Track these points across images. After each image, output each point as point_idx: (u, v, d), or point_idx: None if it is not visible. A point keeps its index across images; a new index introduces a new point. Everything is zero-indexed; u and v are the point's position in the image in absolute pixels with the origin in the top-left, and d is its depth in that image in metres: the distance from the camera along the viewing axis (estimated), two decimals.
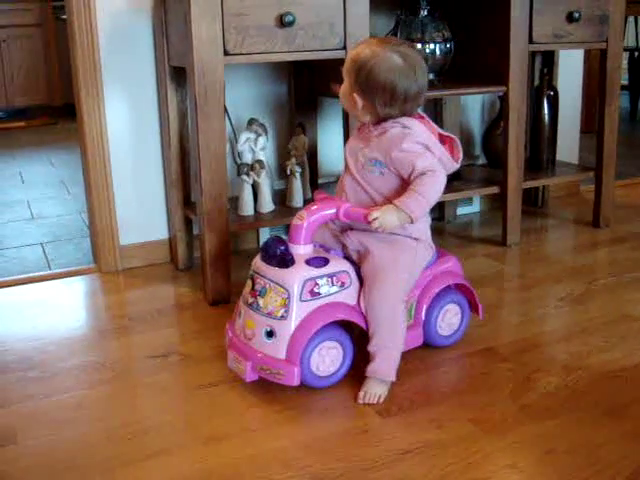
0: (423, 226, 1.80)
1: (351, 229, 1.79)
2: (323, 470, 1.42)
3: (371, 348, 1.69)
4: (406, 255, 1.73)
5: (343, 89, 1.76)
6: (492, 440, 1.50)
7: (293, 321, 1.63)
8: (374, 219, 1.64)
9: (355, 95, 1.72)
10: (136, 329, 2.09)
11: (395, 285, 1.69)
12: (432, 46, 2.50)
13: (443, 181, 1.71)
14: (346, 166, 1.81)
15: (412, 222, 1.68)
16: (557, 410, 1.61)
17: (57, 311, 2.23)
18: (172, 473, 1.43)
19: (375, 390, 1.67)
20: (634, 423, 1.56)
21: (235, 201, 2.41)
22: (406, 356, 1.78)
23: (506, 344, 1.93)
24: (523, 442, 1.50)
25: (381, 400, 1.66)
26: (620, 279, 2.37)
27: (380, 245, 1.73)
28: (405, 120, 1.72)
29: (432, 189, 1.68)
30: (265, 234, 2.71)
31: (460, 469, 1.42)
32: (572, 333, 2.00)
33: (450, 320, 1.89)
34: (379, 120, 1.74)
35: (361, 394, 1.67)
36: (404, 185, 1.71)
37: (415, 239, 1.77)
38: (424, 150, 1.71)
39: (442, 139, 1.78)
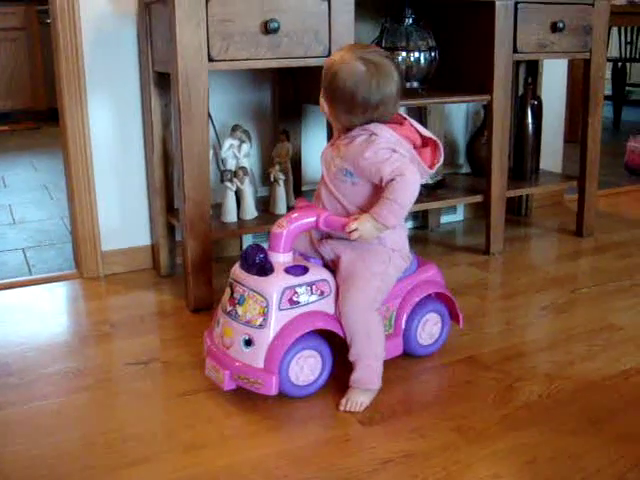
0: (399, 236, 1.77)
1: (328, 237, 1.77)
2: (304, 479, 1.41)
3: (351, 357, 1.68)
4: (378, 263, 1.71)
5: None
6: (474, 449, 1.50)
7: (272, 330, 1.62)
8: (353, 230, 1.62)
9: (322, 100, 1.73)
10: (117, 336, 2.07)
11: (365, 292, 1.66)
12: (417, 54, 2.51)
13: (415, 182, 1.65)
14: (322, 175, 1.79)
15: (389, 229, 1.67)
16: (540, 419, 1.61)
17: (38, 317, 2.21)
18: None
19: (357, 398, 1.66)
20: (617, 432, 1.56)
21: (218, 208, 2.39)
22: (388, 365, 1.77)
23: (489, 353, 1.93)
24: (505, 451, 1.49)
25: (362, 408, 1.65)
26: (603, 288, 2.38)
27: (351, 252, 1.71)
28: (373, 127, 1.68)
29: (404, 193, 1.63)
30: (248, 241, 2.70)
31: (442, 478, 1.41)
32: (555, 342, 2.00)
33: (430, 330, 1.88)
34: (347, 128, 1.72)
35: (343, 401, 1.66)
36: (378, 194, 1.67)
37: (389, 248, 1.74)
38: (390, 154, 1.66)
39: (425, 142, 1.75)
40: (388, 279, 1.74)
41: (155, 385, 1.80)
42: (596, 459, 1.46)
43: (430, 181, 2.64)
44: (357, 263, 1.69)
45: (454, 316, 1.93)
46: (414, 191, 1.65)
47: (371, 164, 1.65)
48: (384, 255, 1.73)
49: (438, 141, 1.76)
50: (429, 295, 1.86)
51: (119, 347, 2.02)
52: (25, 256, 2.81)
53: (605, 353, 1.93)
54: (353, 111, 1.67)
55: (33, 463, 1.48)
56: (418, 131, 1.75)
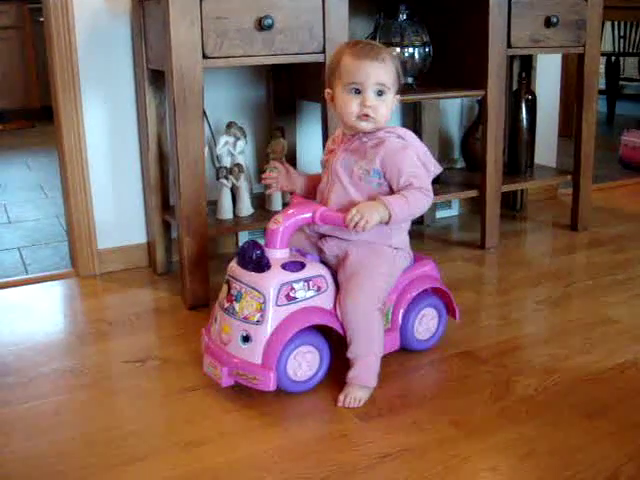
0: (404, 236, 1.81)
1: (327, 235, 1.77)
2: (302, 475, 1.41)
3: (350, 355, 1.69)
4: (384, 263, 1.73)
5: None
6: (472, 443, 1.51)
7: (269, 326, 1.62)
8: (352, 216, 1.61)
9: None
10: (114, 334, 2.07)
11: (370, 292, 1.68)
12: (411, 50, 2.51)
13: (429, 204, 1.73)
14: (331, 178, 1.77)
15: (387, 223, 1.65)
16: (537, 412, 1.62)
17: (34, 316, 2.21)
18: (151, 478, 1.42)
19: (355, 394, 1.66)
20: (614, 425, 1.57)
21: (214, 205, 2.39)
22: (385, 360, 1.78)
23: (485, 347, 1.94)
24: (503, 444, 1.50)
25: (361, 404, 1.66)
26: (598, 282, 2.38)
27: (358, 250, 1.72)
28: (398, 129, 1.74)
29: (419, 203, 1.69)
30: (244, 238, 2.70)
31: (440, 472, 1.41)
32: (551, 336, 2.01)
33: (427, 324, 1.89)
34: (371, 131, 1.73)
35: (341, 397, 1.67)
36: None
37: (395, 249, 1.76)
38: (422, 168, 1.73)
39: None
40: (391, 279, 1.76)
41: (153, 382, 1.80)
42: (593, 452, 1.47)
43: None
44: (364, 262, 1.70)
45: (450, 310, 1.94)
46: (424, 209, 1.73)
47: (406, 171, 1.69)
48: (389, 255, 1.75)
49: None
50: (426, 290, 1.87)
51: (116, 345, 2.02)
52: (21, 255, 2.81)
53: (601, 346, 1.93)
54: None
55: (33, 462, 1.48)
56: None
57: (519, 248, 2.79)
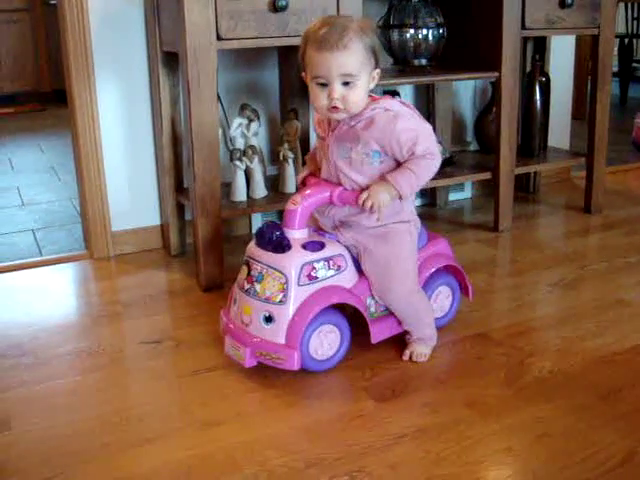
0: (412, 206, 1.81)
1: (342, 225, 1.76)
2: (318, 455, 1.42)
3: (406, 326, 1.78)
4: (404, 245, 1.73)
5: None
6: (487, 424, 1.51)
7: (292, 305, 1.64)
8: (365, 200, 1.63)
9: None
10: (129, 315, 2.08)
11: (405, 281, 1.72)
12: (425, 31, 2.50)
13: (438, 165, 1.70)
14: (334, 173, 1.73)
15: (400, 199, 1.67)
16: (551, 394, 1.62)
17: (49, 297, 2.22)
18: (167, 458, 1.43)
19: (421, 350, 1.77)
20: (627, 407, 1.57)
21: (227, 187, 2.40)
22: (400, 341, 1.79)
23: (499, 329, 1.94)
24: (518, 426, 1.50)
25: (426, 359, 1.76)
26: (612, 264, 2.38)
27: (376, 242, 1.72)
28: (383, 102, 1.67)
29: (427, 172, 1.67)
30: (257, 220, 2.71)
31: (455, 453, 1.42)
32: (565, 318, 2.01)
33: (442, 302, 1.91)
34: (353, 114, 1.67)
35: (407, 353, 1.76)
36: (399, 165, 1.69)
37: (407, 222, 1.76)
38: (420, 127, 1.67)
39: None
40: (414, 253, 1.78)
41: (169, 363, 1.81)
42: (607, 434, 1.47)
43: None
44: (387, 256, 1.71)
45: (464, 288, 1.96)
46: (433, 173, 1.70)
47: (407, 139, 1.64)
48: (405, 233, 1.74)
49: None
50: (440, 268, 1.88)
51: (131, 326, 2.03)
52: (35, 237, 2.82)
53: (614, 329, 1.93)
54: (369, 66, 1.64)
55: (49, 442, 1.49)
56: None
57: (532, 230, 2.78)
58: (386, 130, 1.65)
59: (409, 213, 1.77)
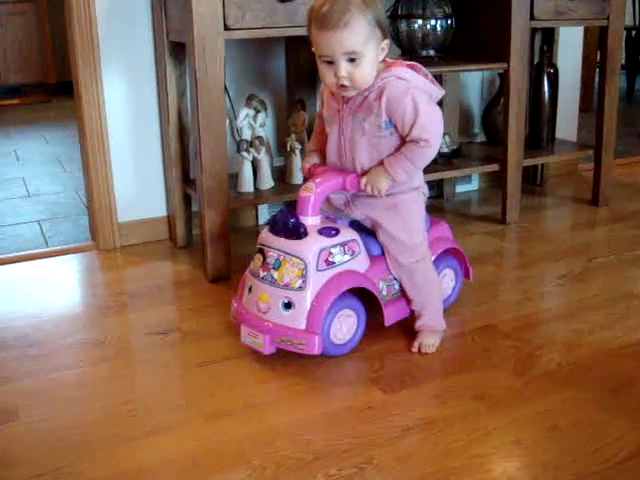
0: (421, 173, 1.81)
1: (352, 200, 1.78)
2: (327, 446, 1.42)
3: (415, 307, 1.78)
4: (413, 214, 1.76)
5: None
6: (495, 416, 1.50)
7: (311, 291, 1.64)
8: (365, 185, 1.68)
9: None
10: (135, 306, 2.08)
11: (415, 251, 1.75)
12: (433, 22, 2.49)
13: (435, 152, 1.68)
14: (350, 145, 1.72)
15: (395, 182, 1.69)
16: (560, 387, 1.61)
17: (55, 288, 2.22)
18: (174, 450, 1.42)
19: (429, 340, 1.76)
20: (637, 400, 1.56)
21: (234, 178, 2.39)
22: (408, 332, 1.79)
23: (507, 321, 1.93)
24: (526, 418, 1.50)
25: (434, 349, 1.76)
26: (620, 257, 2.37)
27: (387, 217, 1.74)
28: (395, 71, 1.65)
29: (421, 159, 1.68)
30: (264, 211, 2.70)
31: (464, 445, 1.41)
32: (573, 310, 2.00)
33: (447, 284, 1.95)
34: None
35: (416, 344, 1.76)
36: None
37: (416, 188, 1.78)
38: (426, 108, 1.64)
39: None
40: (423, 220, 1.80)
41: (176, 355, 1.81)
42: (616, 426, 1.47)
43: (446, 150, 2.63)
44: (397, 224, 1.74)
45: (465, 270, 1.99)
46: (430, 159, 1.70)
47: (409, 118, 1.63)
48: (413, 201, 1.77)
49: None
50: (443, 251, 1.90)
51: (138, 318, 2.02)
52: (41, 228, 2.82)
53: (623, 321, 1.92)
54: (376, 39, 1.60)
55: (56, 433, 1.49)
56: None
57: (540, 223, 2.77)
58: (394, 100, 1.64)
59: (418, 179, 1.79)
